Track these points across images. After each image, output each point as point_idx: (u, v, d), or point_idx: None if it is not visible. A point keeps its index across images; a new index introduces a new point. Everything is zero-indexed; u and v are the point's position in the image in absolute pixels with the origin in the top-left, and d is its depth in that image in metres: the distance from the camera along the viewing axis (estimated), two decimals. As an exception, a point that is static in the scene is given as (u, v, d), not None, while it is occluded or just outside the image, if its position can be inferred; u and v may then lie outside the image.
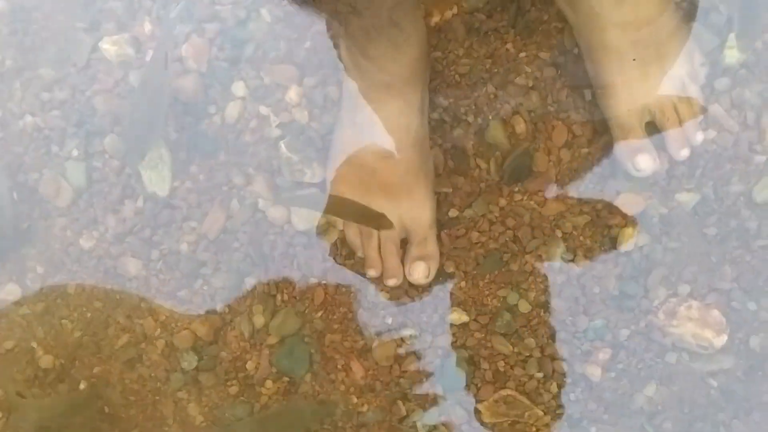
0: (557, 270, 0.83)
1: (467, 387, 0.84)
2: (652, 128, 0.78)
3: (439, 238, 0.84)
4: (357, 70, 0.79)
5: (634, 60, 0.76)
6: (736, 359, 0.81)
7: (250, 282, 0.88)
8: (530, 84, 0.85)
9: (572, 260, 0.83)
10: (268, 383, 0.86)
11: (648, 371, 0.82)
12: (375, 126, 0.79)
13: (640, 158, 0.77)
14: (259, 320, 0.87)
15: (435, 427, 0.84)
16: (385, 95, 0.78)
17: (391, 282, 0.82)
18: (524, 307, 0.83)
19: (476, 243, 0.84)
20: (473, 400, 0.83)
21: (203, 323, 0.87)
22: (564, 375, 0.82)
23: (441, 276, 0.84)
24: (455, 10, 0.87)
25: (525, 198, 0.84)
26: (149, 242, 0.89)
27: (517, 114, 0.85)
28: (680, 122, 0.77)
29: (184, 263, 0.89)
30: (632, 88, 0.77)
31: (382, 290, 0.85)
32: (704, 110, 0.80)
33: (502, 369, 0.83)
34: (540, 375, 0.82)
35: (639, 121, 0.77)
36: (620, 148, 0.79)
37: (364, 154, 0.80)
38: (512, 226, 0.84)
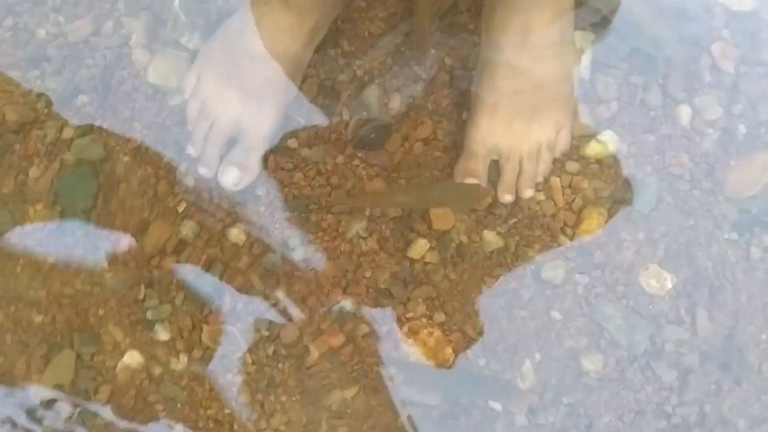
0: (345, 239, 0.87)
1: (204, 305, 0.87)
2: (494, 166, 0.85)
3: (266, 158, 0.88)
4: None
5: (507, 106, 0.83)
6: (441, 400, 0.85)
7: (81, 100, 0.90)
8: (423, 76, 0.90)
9: (364, 239, 0.87)
10: (39, 206, 0.88)
11: (363, 372, 0.86)
12: (259, 28, 0.83)
13: (467, 181, 0.83)
14: (68, 133, 0.90)
15: (161, 321, 0.87)
16: (281, 7, 0.82)
17: (203, 170, 0.86)
18: (298, 254, 0.87)
19: (295, 183, 0.88)
20: (202, 318, 0.86)
21: (16, 111, 0.90)
22: (286, 346, 0.86)
23: (248, 193, 0.88)
24: (403, -28, 0.92)
25: (360, 166, 0.88)
26: (11, 9, 0.91)
27: (398, 93, 0.90)
28: (520, 174, 0.84)
29: (32, 48, 0.91)
30: (495, 127, 0.83)
31: (191, 174, 0.88)
32: (544, 178, 0.86)
33: (239, 309, 0.87)
34: (266, 333, 0.86)
35: (485, 153, 0.84)
36: (458, 166, 0.85)
37: (238, 48, 0.84)
38: (333, 185, 0.88)
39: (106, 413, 0.85)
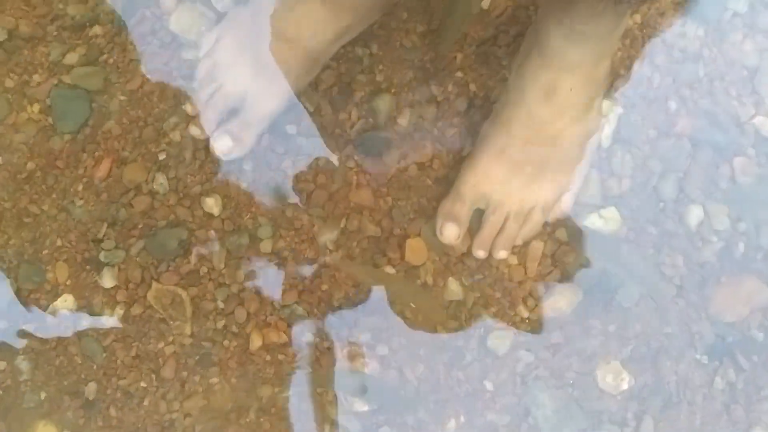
0: (313, 245, 0.86)
1: (162, 262, 0.86)
2: (477, 215, 0.82)
3: (261, 136, 0.86)
4: None
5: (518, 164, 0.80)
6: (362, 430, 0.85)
7: (96, 29, 0.90)
8: (439, 99, 0.87)
9: (331, 252, 0.85)
10: (36, 107, 0.89)
11: (296, 378, 0.86)
12: (290, 11, 0.81)
13: (448, 225, 0.81)
14: (72, 57, 0.89)
15: (111, 265, 0.86)
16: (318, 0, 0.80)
17: (194, 130, 0.85)
18: (266, 247, 0.86)
19: (281, 169, 0.87)
20: (154, 275, 0.86)
21: (29, 24, 0.89)
22: (237, 325, 0.86)
23: (233, 166, 0.87)
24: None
25: (353, 169, 0.86)
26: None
27: (410, 109, 0.87)
28: (500, 231, 0.81)
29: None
30: (491, 174, 0.80)
31: (179, 130, 0.87)
32: (526, 241, 0.83)
33: (200, 273, 0.86)
34: (221, 306, 0.85)
35: (472, 200, 0.81)
36: (442, 206, 0.83)
37: (264, 23, 0.83)
38: (319, 184, 0.87)
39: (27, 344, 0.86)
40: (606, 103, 0.84)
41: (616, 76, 0.85)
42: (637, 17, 0.86)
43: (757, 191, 0.85)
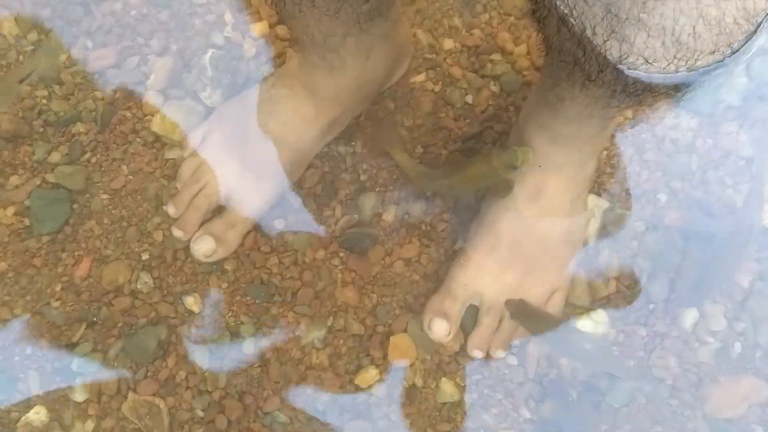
0: (299, 344, 0.83)
1: (139, 370, 0.82)
2: (471, 312, 0.79)
3: (245, 236, 0.84)
4: (298, 58, 0.81)
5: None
6: None
7: (78, 128, 0.89)
8: (428, 194, 0.86)
9: (317, 350, 0.82)
10: (11, 210, 0.86)
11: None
12: (277, 110, 0.81)
13: (437, 321, 0.78)
14: (55, 157, 0.88)
15: (84, 375, 0.83)
16: (304, 94, 0.80)
17: (176, 232, 0.83)
18: (248, 347, 0.83)
19: (267, 267, 0.84)
20: (132, 384, 0.82)
21: (13, 122, 0.88)
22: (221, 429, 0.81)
23: (216, 265, 0.84)
24: (446, 109, 0.89)
25: (338, 267, 0.84)
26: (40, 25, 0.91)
27: (395, 206, 0.86)
28: (497, 331, 0.79)
29: (47, 69, 0.90)
30: (483, 273, 0.79)
31: (161, 230, 0.85)
32: (522, 340, 0.81)
33: (179, 380, 0.82)
34: (201, 414, 0.81)
35: (465, 297, 0.79)
36: (432, 301, 0.80)
37: (251, 122, 0.82)
38: (304, 282, 0.84)
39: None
40: (591, 199, 0.83)
41: (602, 171, 0.85)
42: (629, 112, 0.86)
43: (756, 289, 0.83)
